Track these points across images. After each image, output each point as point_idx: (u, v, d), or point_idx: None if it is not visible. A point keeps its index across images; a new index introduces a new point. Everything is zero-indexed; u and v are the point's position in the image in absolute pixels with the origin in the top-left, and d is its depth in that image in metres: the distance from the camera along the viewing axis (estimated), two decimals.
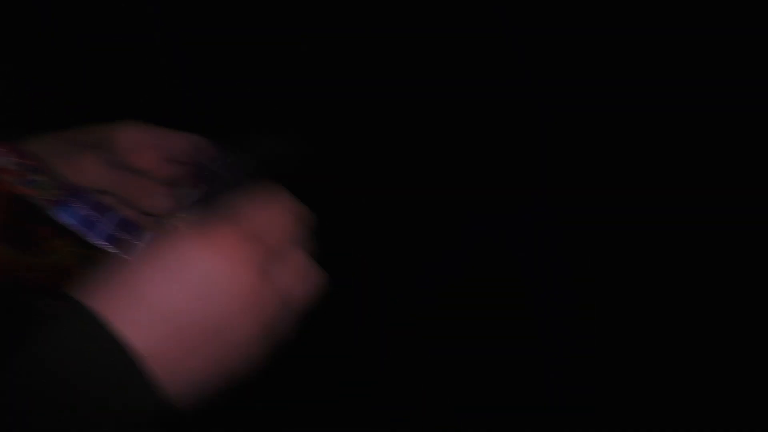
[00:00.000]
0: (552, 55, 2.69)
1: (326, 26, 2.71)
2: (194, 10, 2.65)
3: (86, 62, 2.58)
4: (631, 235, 2.61)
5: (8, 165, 0.99)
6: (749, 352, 2.47)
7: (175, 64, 2.63)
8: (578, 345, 2.53)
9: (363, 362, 2.52)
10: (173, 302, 0.71)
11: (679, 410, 2.44)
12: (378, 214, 2.64)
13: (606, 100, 2.67)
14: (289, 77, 2.69)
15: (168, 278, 0.71)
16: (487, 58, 2.72)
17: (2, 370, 0.65)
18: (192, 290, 0.72)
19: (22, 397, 0.65)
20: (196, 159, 1.01)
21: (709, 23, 2.65)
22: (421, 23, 2.71)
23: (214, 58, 2.65)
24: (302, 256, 0.82)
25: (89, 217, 0.96)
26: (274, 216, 0.80)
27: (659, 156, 2.67)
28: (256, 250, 0.75)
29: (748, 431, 2.32)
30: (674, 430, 2.39)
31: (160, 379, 0.70)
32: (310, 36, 2.69)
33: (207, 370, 0.75)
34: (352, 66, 2.71)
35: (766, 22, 2.62)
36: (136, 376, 0.68)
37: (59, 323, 0.68)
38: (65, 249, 0.95)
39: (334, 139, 2.66)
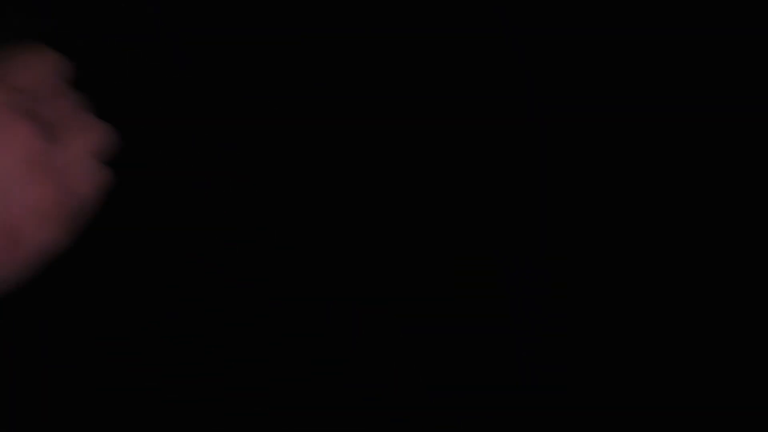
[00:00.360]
0: (552, 55, 2.70)
1: (330, 26, 2.71)
2: (194, 10, 2.65)
3: (87, 62, 2.58)
4: (605, 217, 2.62)
5: None
6: (720, 330, 2.50)
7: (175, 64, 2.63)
8: (550, 323, 2.55)
9: (334, 341, 2.53)
10: None
11: (652, 389, 2.47)
12: (364, 203, 2.65)
13: (607, 102, 2.67)
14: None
15: None
16: (487, 58, 2.72)
17: None
18: None
19: None
20: None
21: (709, 23, 2.65)
22: (420, 23, 2.71)
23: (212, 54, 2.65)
24: (77, 105, 0.76)
25: None
26: (33, 66, 0.72)
27: (660, 158, 2.68)
28: (23, 99, 0.67)
29: (719, 404, 2.38)
30: (647, 408, 2.43)
31: None
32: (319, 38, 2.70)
33: None
34: (351, 66, 2.71)
35: (767, 22, 2.62)
36: None
37: None
38: None
39: (325, 146, 2.67)
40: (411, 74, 2.71)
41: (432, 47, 2.71)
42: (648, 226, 2.62)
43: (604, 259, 2.60)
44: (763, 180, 2.63)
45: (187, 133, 2.64)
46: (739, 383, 2.50)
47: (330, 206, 2.64)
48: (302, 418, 2.48)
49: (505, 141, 2.72)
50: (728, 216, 2.61)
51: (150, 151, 2.62)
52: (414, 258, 2.61)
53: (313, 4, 2.70)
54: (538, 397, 2.48)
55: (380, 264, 2.61)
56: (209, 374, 2.51)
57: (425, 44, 2.71)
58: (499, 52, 2.72)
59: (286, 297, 2.56)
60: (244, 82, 2.65)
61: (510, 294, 2.57)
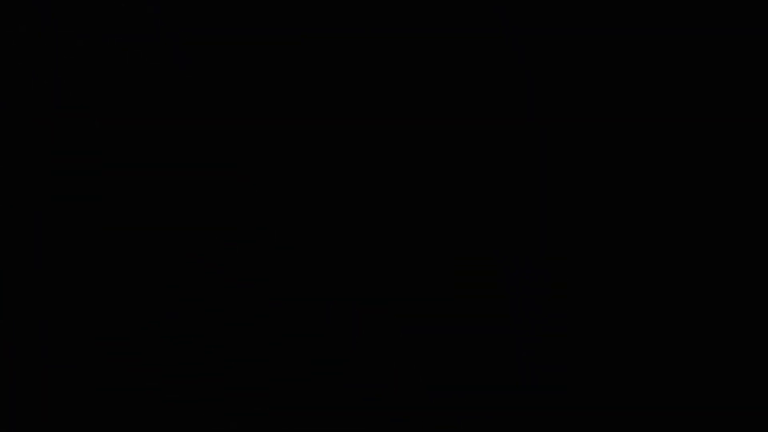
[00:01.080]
0: (552, 55, 2.69)
1: (330, 26, 2.70)
2: (194, 10, 2.65)
3: (86, 63, 2.58)
4: (605, 217, 2.62)
5: None
6: (718, 331, 2.50)
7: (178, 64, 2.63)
8: (550, 323, 2.55)
9: (334, 341, 2.53)
10: None
11: (652, 389, 2.47)
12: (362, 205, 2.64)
13: (607, 102, 2.66)
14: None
15: None
16: (487, 58, 2.72)
17: None
18: None
19: None
20: None
21: (709, 23, 2.65)
22: (420, 23, 2.71)
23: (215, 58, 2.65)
24: None
25: None
26: None
27: (659, 158, 2.67)
28: None
29: (719, 404, 2.38)
30: (647, 408, 2.43)
31: None
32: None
33: None
34: (352, 66, 2.71)
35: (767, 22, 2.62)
36: None
37: None
38: None
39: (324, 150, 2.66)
40: (410, 74, 2.71)
41: (432, 47, 2.71)
42: (648, 226, 2.62)
43: (604, 259, 2.60)
44: (763, 180, 2.62)
45: (187, 133, 2.64)
46: (739, 383, 2.50)
47: (330, 206, 2.64)
48: (302, 418, 2.48)
49: (506, 141, 2.72)
50: (728, 216, 2.61)
51: (150, 151, 2.62)
52: (414, 258, 2.61)
53: (313, 4, 2.70)
54: (538, 397, 2.48)
55: (380, 264, 2.60)
56: (209, 374, 2.51)
57: (425, 44, 2.70)
58: (499, 52, 2.72)
59: (286, 297, 2.56)
60: (244, 82, 2.65)
61: (510, 294, 2.57)
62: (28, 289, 2.51)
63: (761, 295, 2.55)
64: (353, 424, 2.48)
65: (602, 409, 2.48)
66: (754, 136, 2.66)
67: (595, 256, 2.61)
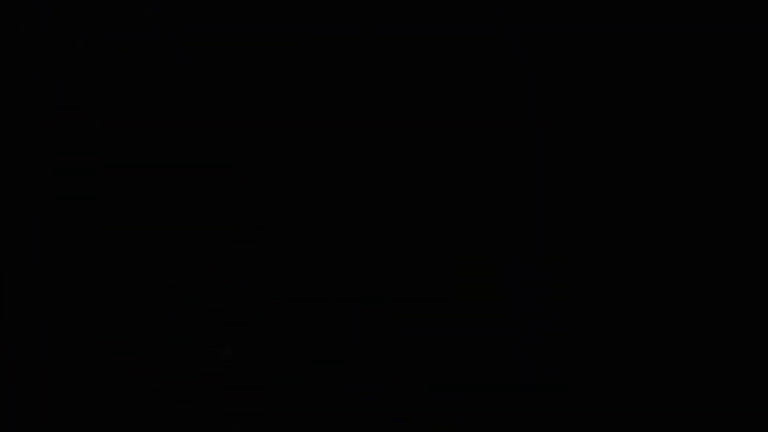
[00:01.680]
0: (552, 55, 2.69)
1: (330, 26, 2.71)
2: (194, 10, 2.65)
3: (86, 63, 2.58)
4: (604, 217, 2.62)
5: None
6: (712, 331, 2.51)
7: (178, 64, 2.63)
8: (550, 323, 2.56)
9: (334, 341, 2.53)
10: None
11: (652, 389, 2.48)
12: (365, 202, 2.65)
13: (607, 102, 2.67)
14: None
15: None
16: (487, 58, 2.72)
17: None
18: None
19: None
20: None
21: (709, 23, 2.65)
22: (420, 23, 2.71)
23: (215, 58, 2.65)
24: None
25: None
26: None
27: (659, 158, 2.67)
28: None
29: (719, 404, 2.39)
30: (647, 408, 2.43)
31: None
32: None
33: None
34: (352, 66, 2.71)
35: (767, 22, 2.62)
36: None
37: None
38: None
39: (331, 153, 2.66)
40: (411, 74, 2.71)
41: (432, 47, 2.71)
42: (648, 226, 2.62)
43: (604, 259, 2.60)
44: (763, 180, 2.62)
45: (187, 133, 2.64)
46: (739, 383, 2.50)
47: (330, 206, 2.64)
48: (302, 418, 2.48)
49: (505, 141, 2.72)
50: (728, 216, 2.61)
51: (150, 151, 2.62)
52: (414, 258, 2.61)
53: (313, 4, 2.70)
54: (538, 397, 2.49)
55: (380, 264, 2.61)
56: (209, 374, 2.51)
57: (425, 44, 2.70)
58: (499, 52, 2.72)
59: (286, 297, 2.56)
60: (244, 82, 2.65)
61: (510, 294, 2.57)
62: (28, 289, 2.51)
63: (760, 295, 2.56)
64: (353, 424, 2.49)
65: (602, 409, 2.48)
66: (754, 136, 2.66)
67: (594, 256, 2.61)
